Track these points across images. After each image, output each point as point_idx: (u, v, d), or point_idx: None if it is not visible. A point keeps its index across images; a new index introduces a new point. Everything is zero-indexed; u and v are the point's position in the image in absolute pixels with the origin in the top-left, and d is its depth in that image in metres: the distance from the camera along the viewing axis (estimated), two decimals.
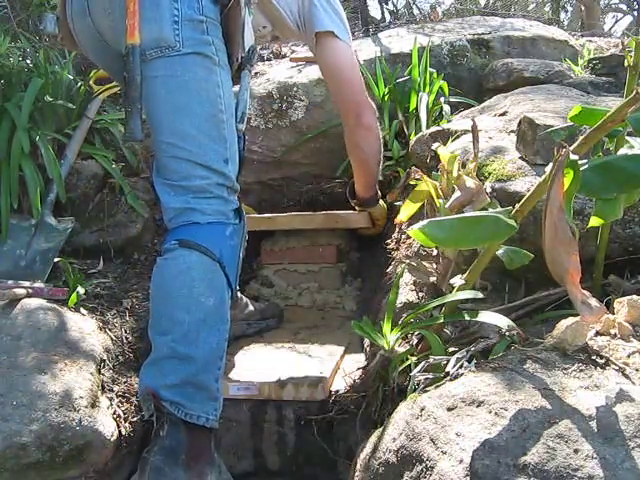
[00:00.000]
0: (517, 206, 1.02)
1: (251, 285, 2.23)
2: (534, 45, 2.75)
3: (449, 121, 2.08)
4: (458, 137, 1.74)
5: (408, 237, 1.62)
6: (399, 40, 2.79)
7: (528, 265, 1.10)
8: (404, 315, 1.30)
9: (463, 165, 1.38)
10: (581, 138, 0.97)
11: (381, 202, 2.02)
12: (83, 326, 1.58)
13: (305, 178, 2.46)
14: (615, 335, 0.98)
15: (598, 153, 1.13)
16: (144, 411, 1.29)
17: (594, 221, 1.08)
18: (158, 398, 1.24)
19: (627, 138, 1.08)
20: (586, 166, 0.99)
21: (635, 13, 8.56)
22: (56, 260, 1.91)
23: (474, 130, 1.33)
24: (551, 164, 0.92)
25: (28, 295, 1.63)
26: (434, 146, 1.47)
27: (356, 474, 1.06)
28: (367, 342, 1.60)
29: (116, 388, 1.52)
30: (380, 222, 2.08)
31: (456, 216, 1.08)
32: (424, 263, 1.40)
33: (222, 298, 1.33)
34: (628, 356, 0.92)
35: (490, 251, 1.08)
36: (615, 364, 0.91)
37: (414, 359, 1.18)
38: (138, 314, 1.80)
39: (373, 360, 1.35)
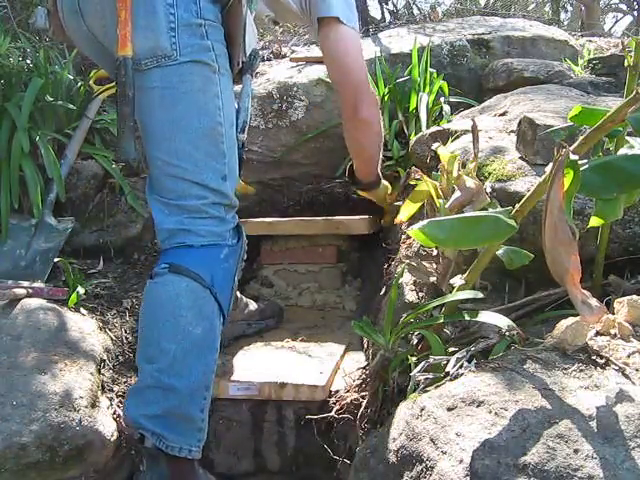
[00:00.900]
0: (517, 206, 1.02)
1: (251, 285, 2.23)
2: (534, 45, 2.75)
3: (449, 121, 2.08)
4: (458, 137, 1.74)
5: (408, 237, 1.62)
6: (399, 40, 2.79)
7: (528, 265, 1.10)
8: (404, 315, 1.30)
9: (463, 165, 1.38)
10: (581, 138, 0.97)
11: (384, 182, 1.90)
12: (83, 326, 1.58)
13: (305, 178, 2.46)
14: (615, 335, 0.98)
15: (598, 153, 1.13)
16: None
17: (594, 221, 1.08)
18: (139, 427, 1.22)
19: (627, 138, 1.08)
20: (586, 166, 0.99)
21: (635, 13, 8.58)
22: (56, 260, 1.91)
23: (474, 130, 1.33)
24: (551, 164, 0.92)
25: (28, 295, 1.63)
26: (434, 146, 1.47)
27: (356, 474, 1.06)
28: (367, 342, 1.60)
29: (116, 388, 1.52)
30: (390, 198, 1.94)
31: (456, 216, 1.08)
32: (424, 263, 1.40)
33: (211, 325, 1.29)
34: (628, 356, 0.92)
35: (490, 251, 1.08)
36: (615, 364, 0.91)
37: (414, 359, 1.18)
38: (138, 314, 1.79)
39: (373, 360, 1.35)
